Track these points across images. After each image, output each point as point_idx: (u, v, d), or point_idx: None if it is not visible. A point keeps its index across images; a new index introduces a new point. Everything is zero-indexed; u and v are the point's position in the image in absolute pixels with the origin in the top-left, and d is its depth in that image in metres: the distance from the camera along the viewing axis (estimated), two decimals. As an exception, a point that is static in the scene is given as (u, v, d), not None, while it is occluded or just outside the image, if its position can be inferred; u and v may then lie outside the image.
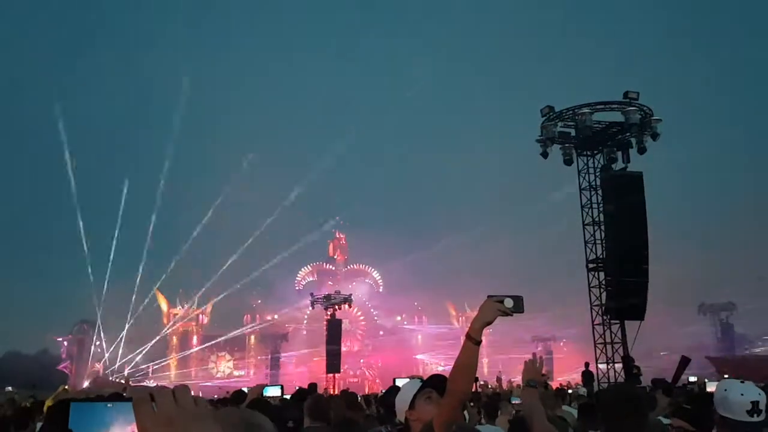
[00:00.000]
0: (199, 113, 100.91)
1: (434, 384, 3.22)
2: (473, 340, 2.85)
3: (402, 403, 3.28)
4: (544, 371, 3.78)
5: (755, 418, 3.24)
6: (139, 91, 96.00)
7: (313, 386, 11.98)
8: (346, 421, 4.94)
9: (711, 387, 10.70)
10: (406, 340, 74.14)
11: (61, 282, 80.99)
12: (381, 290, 79.17)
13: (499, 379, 46.30)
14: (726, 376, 29.34)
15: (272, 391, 5.82)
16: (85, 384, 61.72)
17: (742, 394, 3.28)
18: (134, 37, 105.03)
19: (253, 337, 75.90)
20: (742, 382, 3.41)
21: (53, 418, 4.98)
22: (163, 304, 75.28)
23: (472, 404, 8.93)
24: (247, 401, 5.11)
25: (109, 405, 1.64)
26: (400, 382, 3.62)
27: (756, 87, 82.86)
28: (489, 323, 2.86)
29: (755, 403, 3.25)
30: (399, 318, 76.00)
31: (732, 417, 3.26)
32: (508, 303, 2.84)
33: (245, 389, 6.31)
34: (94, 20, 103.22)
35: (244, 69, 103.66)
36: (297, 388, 8.72)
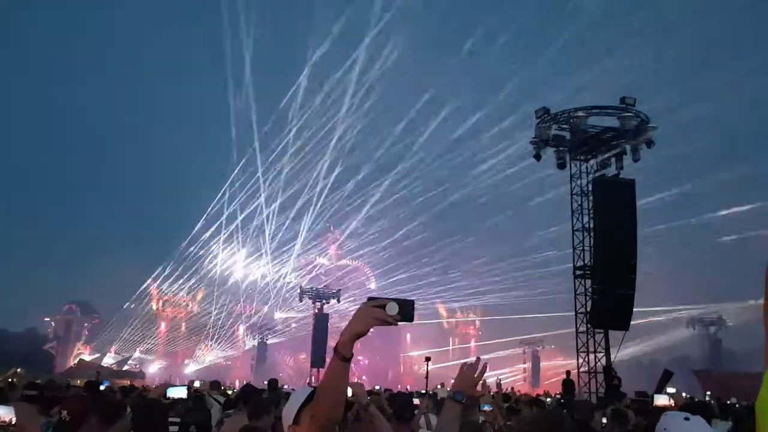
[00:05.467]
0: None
1: None
2: (340, 355, 2.25)
3: (287, 415, 2.76)
4: (488, 388, 3.16)
5: None
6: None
7: (273, 383, 11.50)
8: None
9: (660, 400, 10.22)
10: (394, 338, 73.83)
11: (55, 261, 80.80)
12: (373, 287, 78.90)
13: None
14: (708, 392, 28.94)
15: (176, 392, 5.39)
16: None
17: None
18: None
19: (242, 327, 75.60)
20: (687, 419, 2.88)
21: None
22: (153, 290, 74.98)
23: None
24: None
25: None
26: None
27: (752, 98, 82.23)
28: (361, 335, 2.26)
29: None
30: (389, 316, 75.72)
31: None
32: (392, 309, 2.26)
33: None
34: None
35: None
36: (244, 383, 8.27)
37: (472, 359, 3.29)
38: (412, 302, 2.30)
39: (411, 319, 2.29)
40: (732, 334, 64.69)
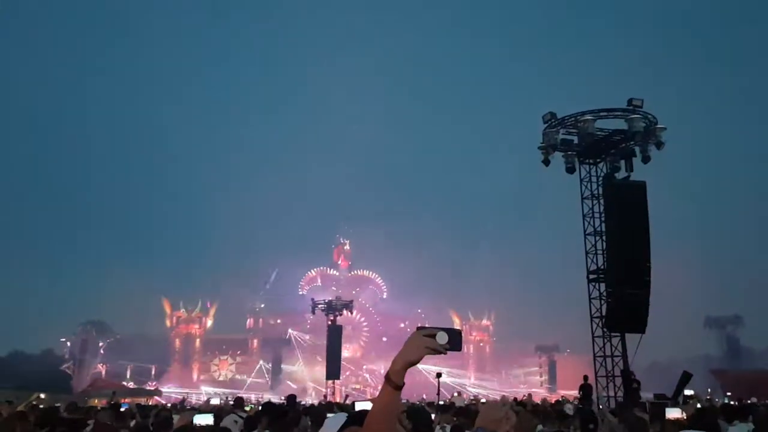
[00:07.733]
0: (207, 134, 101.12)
1: (361, 421, 2.75)
2: (392, 383, 2.31)
3: None
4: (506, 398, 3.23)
5: None
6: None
7: (291, 398, 11.51)
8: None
9: (671, 413, 10.07)
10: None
11: (70, 282, 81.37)
12: (384, 297, 78.74)
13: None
14: (729, 393, 28.64)
15: (203, 419, 5.41)
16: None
17: None
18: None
19: (255, 341, 75.54)
20: None
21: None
22: (166, 307, 75.20)
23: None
24: (174, 428, 4.72)
25: None
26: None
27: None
28: (414, 363, 2.32)
29: None
30: (402, 325, 75.51)
31: None
32: (442, 338, 2.33)
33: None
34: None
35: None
36: (261, 397, 8.29)
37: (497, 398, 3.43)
38: (459, 332, 2.41)
39: (459, 349, 2.38)
40: (750, 332, 64.11)
